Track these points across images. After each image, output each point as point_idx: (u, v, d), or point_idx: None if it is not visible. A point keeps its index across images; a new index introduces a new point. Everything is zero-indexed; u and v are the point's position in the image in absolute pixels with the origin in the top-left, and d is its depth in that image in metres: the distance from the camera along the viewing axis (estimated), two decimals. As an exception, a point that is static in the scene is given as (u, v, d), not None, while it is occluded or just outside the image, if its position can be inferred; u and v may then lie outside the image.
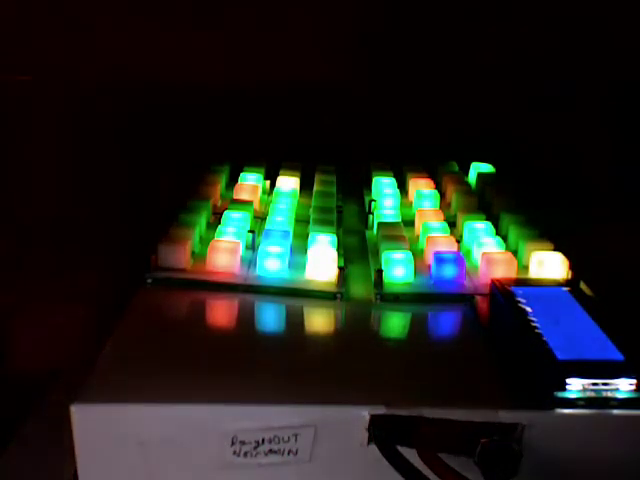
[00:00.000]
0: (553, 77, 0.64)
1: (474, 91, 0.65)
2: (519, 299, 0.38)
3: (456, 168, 0.61)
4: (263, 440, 0.31)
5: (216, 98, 0.65)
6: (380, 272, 0.42)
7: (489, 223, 0.49)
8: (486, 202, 0.54)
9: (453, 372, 0.35)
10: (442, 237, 0.46)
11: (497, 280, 0.41)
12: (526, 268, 0.45)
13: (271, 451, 0.32)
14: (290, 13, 0.63)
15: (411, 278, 0.43)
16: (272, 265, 0.43)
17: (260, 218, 0.50)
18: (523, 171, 0.62)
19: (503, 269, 0.43)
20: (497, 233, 0.48)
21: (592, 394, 0.32)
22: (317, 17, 0.63)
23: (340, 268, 0.43)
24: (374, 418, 0.31)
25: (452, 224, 0.50)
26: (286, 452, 0.32)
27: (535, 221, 0.49)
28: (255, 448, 0.32)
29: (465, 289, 0.42)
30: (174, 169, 0.64)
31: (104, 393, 0.32)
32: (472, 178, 0.60)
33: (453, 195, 0.54)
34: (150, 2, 0.63)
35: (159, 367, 0.34)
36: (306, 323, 0.41)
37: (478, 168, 0.60)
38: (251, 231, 0.47)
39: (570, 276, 0.43)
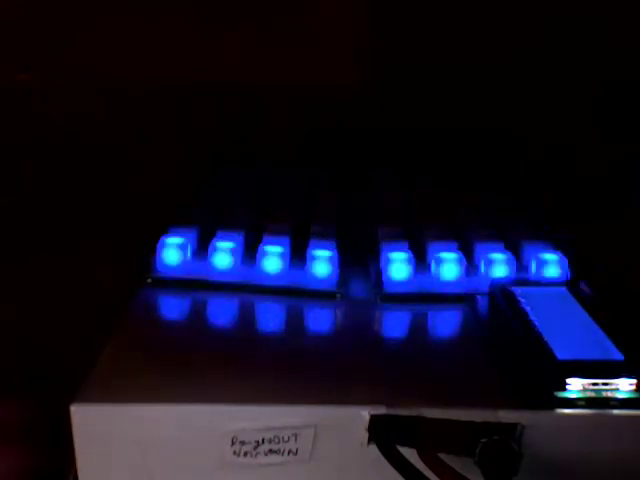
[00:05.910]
0: (553, 78, 0.64)
1: (473, 92, 0.65)
2: (519, 299, 0.38)
3: None
4: (263, 440, 0.31)
5: (216, 98, 0.65)
6: (380, 272, 0.42)
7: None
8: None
9: (453, 372, 0.35)
10: (442, 237, 0.46)
11: (497, 280, 0.41)
12: (526, 268, 0.45)
13: (271, 451, 0.32)
14: (290, 18, 0.63)
15: (411, 278, 0.43)
16: (272, 265, 0.43)
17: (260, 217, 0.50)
18: (523, 170, 0.62)
19: (503, 269, 0.43)
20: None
21: (592, 394, 0.32)
22: (320, 20, 0.63)
23: (340, 268, 0.43)
24: (374, 418, 0.31)
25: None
26: (286, 452, 0.32)
27: (536, 221, 0.49)
28: (255, 448, 0.32)
29: (465, 289, 0.42)
30: (174, 168, 0.64)
31: (104, 393, 0.32)
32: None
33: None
34: (150, 3, 0.63)
35: (159, 367, 0.34)
36: (306, 323, 0.41)
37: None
38: (251, 231, 0.47)
39: (570, 276, 0.43)
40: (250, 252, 0.44)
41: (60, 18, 0.63)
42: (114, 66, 0.64)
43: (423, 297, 0.42)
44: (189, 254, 0.44)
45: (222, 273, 0.43)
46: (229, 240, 0.44)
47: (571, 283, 0.41)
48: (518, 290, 0.39)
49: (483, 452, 0.31)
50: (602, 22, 0.62)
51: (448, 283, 0.43)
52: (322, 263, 0.43)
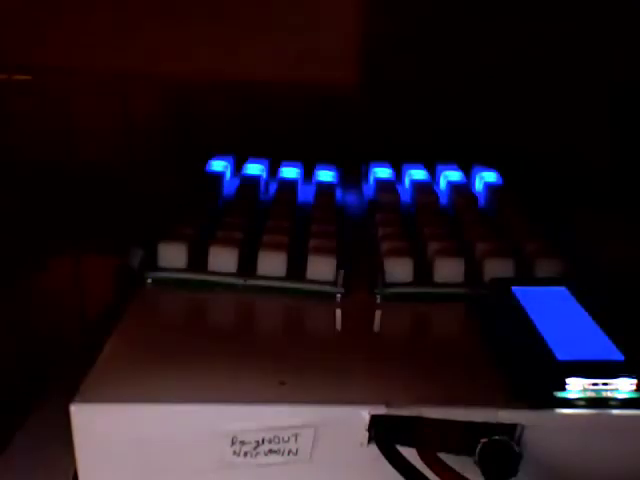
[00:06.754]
0: (552, 76, 0.64)
1: (473, 90, 0.65)
2: (519, 299, 0.38)
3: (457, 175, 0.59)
4: (263, 440, 0.31)
5: (216, 98, 0.65)
6: (380, 272, 0.42)
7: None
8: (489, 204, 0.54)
9: (453, 372, 0.35)
10: (442, 236, 0.46)
11: (497, 280, 0.41)
12: (526, 268, 0.44)
13: (271, 451, 0.32)
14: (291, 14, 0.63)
15: (411, 278, 0.43)
16: (272, 265, 0.43)
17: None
18: (522, 170, 0.62)
19: (503, 269, 0.43)
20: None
21: (592, 394, 0.32)
22: (319, 19, 0.63)
23: (340, 268, 0.43)
24: (374, 418, 0.31)
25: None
26: (286, 452, 0.32)
27: (535, 220, 0.49)
28: (255, 448, 0.32)
29: (465, 289, 0.42)
30: (174, 168, 0.64)
31: (104, 393, 0.32)
32: (475, 183, 0.59)
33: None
34: (150, 2, 0.63)
35: (159, 367, 0.34)
36: (306, 323, 0.41)
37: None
38: (251, 230, 0.47)
39: (570, 276, 0.43)
40: (250, 252, 0.44)
41: (60, 18, 0.63)
42: (114, 65, 0.64)
43: (423, 297, 0.42)
44: (189, 254, 0.44)
45: (222, 273, 0.43)
46: (229, 239, 0.44)
47: (571, 283, 0.41)
48: (518, 290, 0.39)
49: (483, 452, 0.31)
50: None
51: (448, 283, 0.43)
52: (322, 263, 0.43)
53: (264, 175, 0.57)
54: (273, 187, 0.56)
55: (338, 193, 0.55)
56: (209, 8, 0.63)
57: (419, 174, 0.58)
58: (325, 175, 0.58)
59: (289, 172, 0.58)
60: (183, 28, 0.63)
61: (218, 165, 0.58)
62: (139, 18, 0.63)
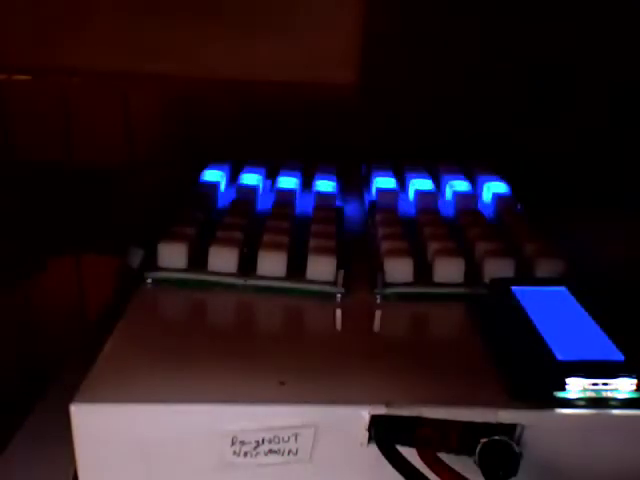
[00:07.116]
0: (552, 75, 0.64)
1: (473, 90, 0.65)
2: (519, 299, 0.38)
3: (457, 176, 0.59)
4: (263, 440, 0.31)
5: (216, 97, 0.65)
6: (380, 272, 0.42)
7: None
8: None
9: (453, 372, 0.35)
10: (442, 236, 0.46)
11: (497, 280, 0.41)
12: (526, 268, 0.44)
13: (271, 451, 0.32)
14: (291, 14, 0.63)
15: (411, 278, 0.43)
16: (272, 265, 0.43)
17: (260, 217, 0.50)
18: (522, 170, 0.62)
19: (503, 269, 0.43)
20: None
21: (592, 394, 0.32)
22: (319, 19, 0.63)
23: (340, 268, 0.43)
24: (374, 418, 0.31)
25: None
26: (286, 452, 0.32)
27: (535, 220, 0.49)
28: (255, 448, 0.32)
29: (465, 289, 0.42)
30: (174, 168, 0.64)
31: (104, 393, 0.32)
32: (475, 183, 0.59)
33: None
34: (148, 4, 0.63)
35: (159, 367, 0.34)
36: (306, 323, 0.41)
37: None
38: (251, 231, 0.47)
39: (570, 276, 0.43)
40: (250, 252, 0.44)
41: (60, 18, 0.63)
42: (114, 65, 0.64)
43: (423, 297, 0.42)
44: (189, 254, 0.44)
45: (222, 273, 0.43)
46: (229, 239, 0.44)
47: (571, 283, 0.41)
48: (518, 290, 0.39)
49: (483, 452, 0.31)
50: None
51: (448, 283, 0.43)
52: (322, 263, 0.43)
53: (263, 176, 0.57)
54: (274, 187, 0.56)
55: (338, 193, 0.55)
56: (209, 8, 0.63)
57: (419, 174, 0.58)
58: (325, 175, 0.58)
59: (289, 172, 0.58)
60: (183, 28, 0.63)
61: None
62: (139, 18, 0.63)
